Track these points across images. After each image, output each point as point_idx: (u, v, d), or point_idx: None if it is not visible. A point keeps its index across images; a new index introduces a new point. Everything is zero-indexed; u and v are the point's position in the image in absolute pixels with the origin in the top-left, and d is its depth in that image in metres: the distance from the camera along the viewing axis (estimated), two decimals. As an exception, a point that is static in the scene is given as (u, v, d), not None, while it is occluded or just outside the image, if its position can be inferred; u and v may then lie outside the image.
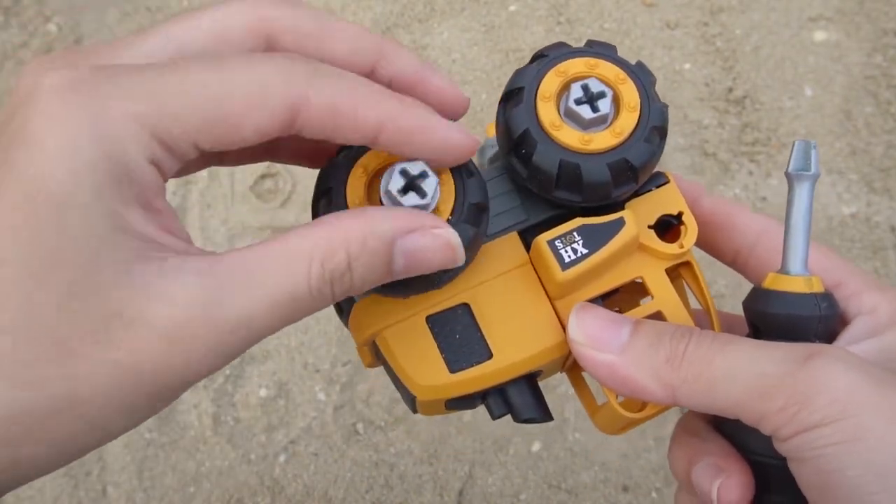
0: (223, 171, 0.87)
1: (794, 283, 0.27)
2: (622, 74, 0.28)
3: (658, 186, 0.30)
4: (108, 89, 0.21)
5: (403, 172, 0.25)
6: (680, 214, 0.30)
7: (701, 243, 0.31)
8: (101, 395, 0.21)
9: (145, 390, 0.22)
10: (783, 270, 0.28)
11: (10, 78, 0.91)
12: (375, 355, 0.29)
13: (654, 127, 0.28)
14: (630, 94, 0.28)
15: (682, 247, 0.29)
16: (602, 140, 0.27)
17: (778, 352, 0.23)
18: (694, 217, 0.30)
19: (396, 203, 0.25)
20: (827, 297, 0.27)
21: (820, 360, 0.22)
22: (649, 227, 0.29)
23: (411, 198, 0.25)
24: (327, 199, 0.26)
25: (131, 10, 0.95)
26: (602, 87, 0.28)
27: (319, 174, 0.27)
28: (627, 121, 0.28)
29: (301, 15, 0.24)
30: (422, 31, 0.94)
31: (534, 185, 0.29)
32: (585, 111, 0.28)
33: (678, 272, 0.30)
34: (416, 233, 0.23)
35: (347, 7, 0.95)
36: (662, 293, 0.29)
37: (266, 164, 0.83)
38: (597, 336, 0.25)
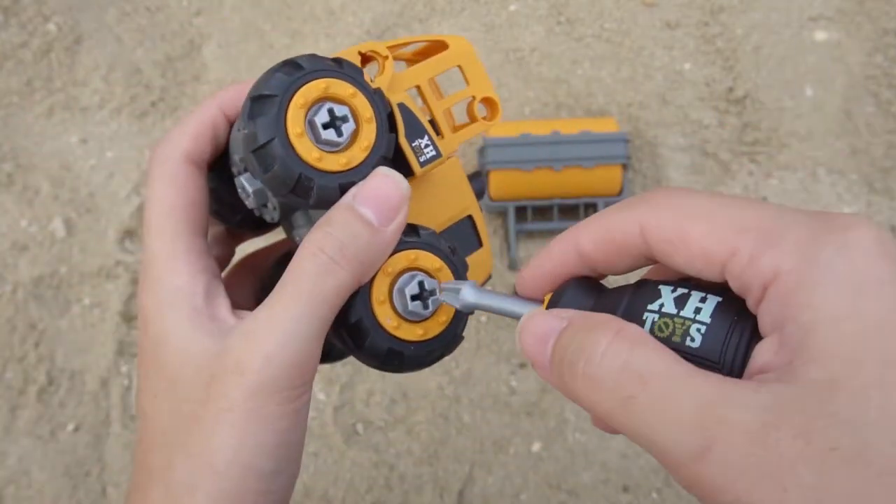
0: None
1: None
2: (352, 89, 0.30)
3: None
4: None
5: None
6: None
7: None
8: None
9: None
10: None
11: (10, 78, 0.91)
12: None
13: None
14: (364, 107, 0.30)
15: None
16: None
17: (683, 424, 0.21)
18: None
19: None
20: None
21: (713, 460, 0.20)
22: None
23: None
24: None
25: (131, 10, 0.95)
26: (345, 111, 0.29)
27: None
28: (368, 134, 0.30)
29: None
30: (422, 31, 0.94)
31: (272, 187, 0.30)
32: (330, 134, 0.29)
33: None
34: (363, 181, 0.29)
35: (347, 7, 0.95)
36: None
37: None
38: (529, 355, 0.26)
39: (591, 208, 0.86)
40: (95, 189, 0.88)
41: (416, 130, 0.31)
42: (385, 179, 0.29)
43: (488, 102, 0.34)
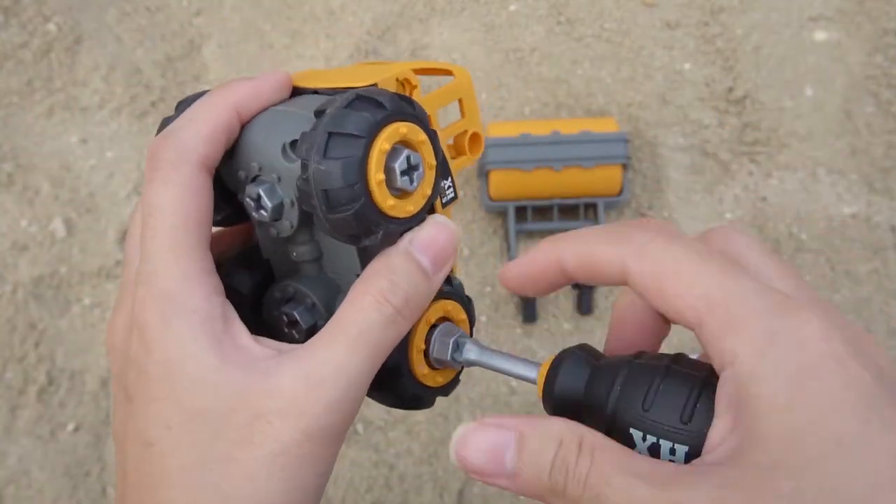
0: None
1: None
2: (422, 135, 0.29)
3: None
4: None
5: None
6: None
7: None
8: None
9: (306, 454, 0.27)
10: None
11: (10, 78, 0.91)
12: None
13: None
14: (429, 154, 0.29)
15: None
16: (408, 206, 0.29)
17: (647, 484, 0.22)
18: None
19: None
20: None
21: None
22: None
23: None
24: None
25: (131, 10, 0.95)
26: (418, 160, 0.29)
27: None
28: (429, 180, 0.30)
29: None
30: (422, 31, 0.94)
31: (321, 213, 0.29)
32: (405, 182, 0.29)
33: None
34: (419, 228, 0.29)
35: (347, 7, 0.95)
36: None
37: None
38: (482, 469, 0.25)
39: (590, 208, 0.86)
40: (95, 189, 0.88)
41: (445, 171, 0.31)
42: (444, 229, 0.29)
43: (475, 138, 0.35)
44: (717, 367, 0.24)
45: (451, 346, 0.31)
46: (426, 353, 0.31)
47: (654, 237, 0.25)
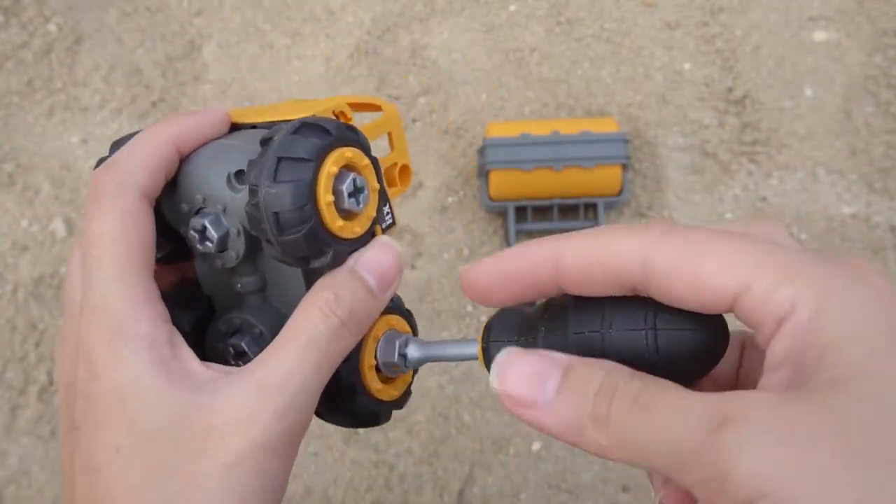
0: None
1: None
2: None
3: None
4: None
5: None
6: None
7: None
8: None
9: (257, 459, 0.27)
10: None
11: (10, 78, 0.91)
12: None
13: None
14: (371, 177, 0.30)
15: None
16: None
17: (693, 413, 0.21)
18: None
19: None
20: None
21: (731, 430, 0.20)
22: None
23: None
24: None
25: (131, 11, 0.95)
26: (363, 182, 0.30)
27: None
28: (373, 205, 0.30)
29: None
30: (422, 31, 0.94)
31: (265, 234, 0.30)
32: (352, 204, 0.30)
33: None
34: (365, 249, 0.30)
35: (347, 7, 0.95)
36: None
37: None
38: (521, 395, 0.24)
39: (590, 208, 0.86)
40: (96, 189, 0.88)
41: (384, 197, 0.32)
42: (389, 250, 0.30)
43: (404, 170, 0.36)
44: (765, 333, 0.23)
45: (397, 348, 0.32)
46: (377, 368, 0.32)
47: (671, 226, 0.24)
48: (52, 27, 0.93)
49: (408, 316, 0.34)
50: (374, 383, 0.32)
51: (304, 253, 0.28)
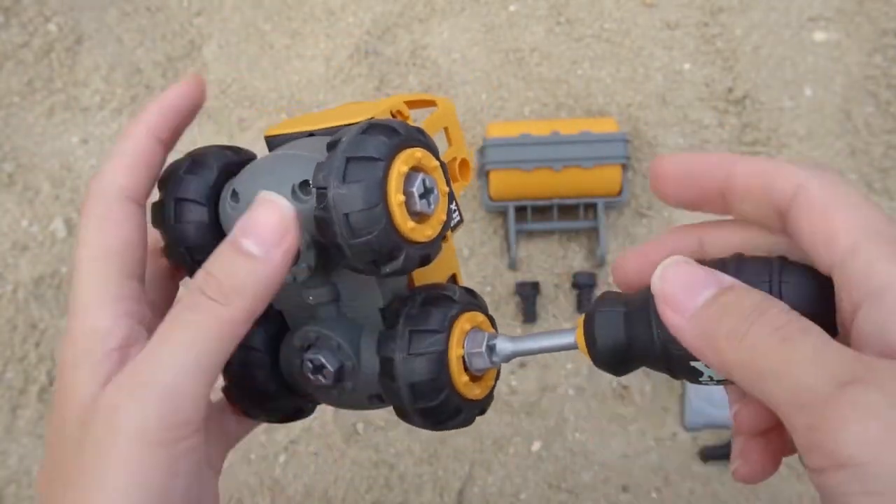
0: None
1: None
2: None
3: None
4: None
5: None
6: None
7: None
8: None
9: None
10: None
11: (10, 78, 0.92)
12: None
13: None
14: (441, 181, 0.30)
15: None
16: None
17: (830, 362, 0.21)
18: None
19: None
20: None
21: (858, 391, 0.20)
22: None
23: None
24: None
25: (131, 11, 0.95)
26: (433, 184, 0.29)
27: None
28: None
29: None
30: (422, 31, 0.94)
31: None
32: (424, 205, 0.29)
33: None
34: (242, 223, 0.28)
35: (347, 7, 0.95)
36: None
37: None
38: (674, 295, 0.25)
39: (590, 208, 0.86)
40: (96, 189, 0.88)
41: (451, 196, 0.31)
42: (265, 206, 0.27)
43: (464, 164, 0.35)
44: (860, 294, 0.23)
45: (485, 351, 0.31)
46: (464, 363, 0.31)
47: (833, 172, 0.25)
48: (52, 27, 0.93)
49: (488, 313, 0.33)
50: (460, 376, 0.30)
51: (377, 256, 0.27)
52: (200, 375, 0.26)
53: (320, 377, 0.30)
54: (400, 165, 0.27)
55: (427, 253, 0.28)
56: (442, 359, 0.27)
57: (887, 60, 0.91)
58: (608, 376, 0.81)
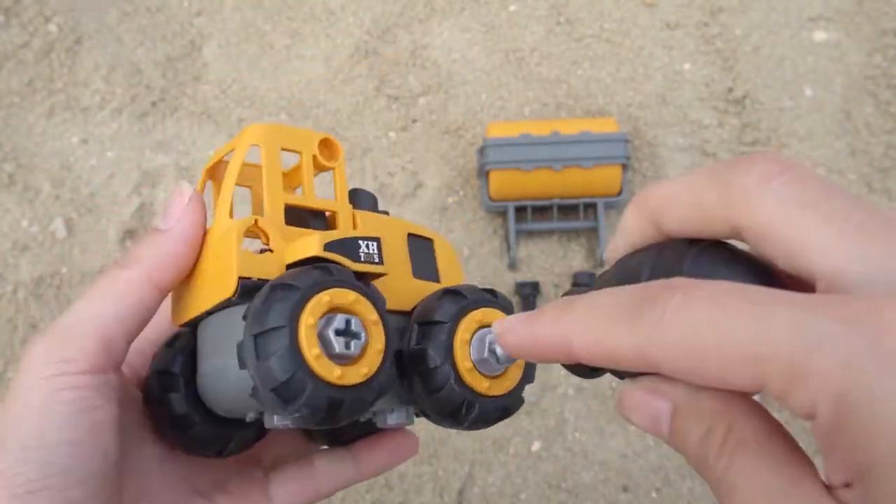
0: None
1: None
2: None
3: None
4: None
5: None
6: None
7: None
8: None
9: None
10: None
11: (10, 78, 0.92)
12: None
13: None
14: None
15: None
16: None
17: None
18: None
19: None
20: None
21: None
22: None
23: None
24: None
25: (131, 11, 0.95)
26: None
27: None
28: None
29: None
30: (422, 31, 0.94)
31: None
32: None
33: None
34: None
35: (347, 7, 0.95)
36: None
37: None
38: (644, 427, 0.24)
39: (590, 208, 0.86)
40: (96, 189, 0.88)
41: (371, 240, 0.30)
42: (174, 194, 0.32)
43: (325, 143, 0.33)
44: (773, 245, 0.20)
45: (486, 344, 0.31)
46: (476, 369, 0.31)
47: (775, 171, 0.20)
48: (52, 27, 0.93)
49: (508, 308, 0.33)
50: (479, 384, 0.31)
51: (324, 416, 0.26)
52: (91, 322, 0.29)
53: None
54: (307, 318, 0.26)
55: (375, 392, 0.27)
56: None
57: (887, 60, 0.91)
58: (608, 376, 0.81)
